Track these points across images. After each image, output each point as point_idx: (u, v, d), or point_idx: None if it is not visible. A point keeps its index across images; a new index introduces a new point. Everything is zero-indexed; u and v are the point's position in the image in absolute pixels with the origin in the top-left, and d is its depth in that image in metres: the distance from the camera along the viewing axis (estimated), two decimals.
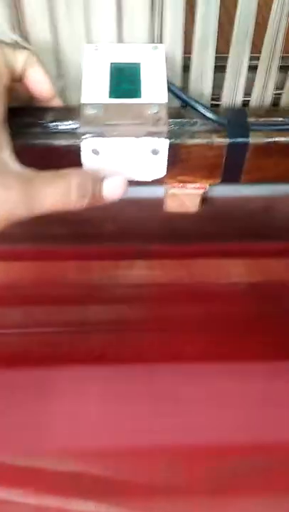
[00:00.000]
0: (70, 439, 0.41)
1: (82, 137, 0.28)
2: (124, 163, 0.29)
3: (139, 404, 0.44)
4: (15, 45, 0.30)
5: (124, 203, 0.42)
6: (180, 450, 0.40)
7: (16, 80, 0.29)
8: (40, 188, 0.27)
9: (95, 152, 0.28)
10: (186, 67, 0.33)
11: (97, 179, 0.29)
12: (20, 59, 0.28)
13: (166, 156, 0.29)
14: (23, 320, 0.49)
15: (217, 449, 0.40)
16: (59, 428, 0.43)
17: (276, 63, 0.33)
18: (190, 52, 0.32)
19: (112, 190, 0.29)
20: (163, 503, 0.39)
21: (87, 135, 0.28)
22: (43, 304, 0.49)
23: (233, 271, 0.46)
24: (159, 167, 0.30)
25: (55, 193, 0.27)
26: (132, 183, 0.30)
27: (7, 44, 0.29)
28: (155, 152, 0.29)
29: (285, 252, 0.46)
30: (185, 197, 0.37)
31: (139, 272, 0.46)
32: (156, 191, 0.39)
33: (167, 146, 0.28)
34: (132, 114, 0.28)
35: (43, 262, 0.48)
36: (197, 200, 0.37)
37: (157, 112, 0.28)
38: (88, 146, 0.28)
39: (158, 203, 0.40)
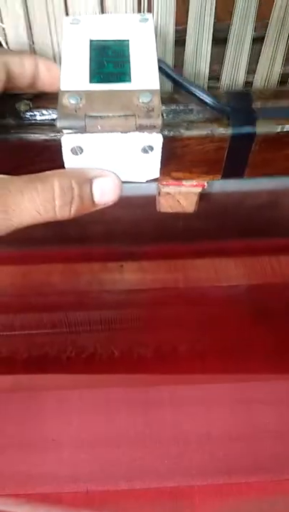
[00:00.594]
0: (56, 456, 0.38)
1: (61, 133, 0.23)
2: (111, 162, 0.25)
3: (131, 413, 0.41)
4: (21, 52, 0.28)
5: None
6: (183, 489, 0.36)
7: (27, 84, 0.27)
8: (16, 196, 0.22)
9: (77, 151, 0.24)
10: (178, 42, 0.28)
11: (85, 180, 0.24)
12: (28, 65, 0.26)
13: (160, 154, 0.24)
14: (8, 323, 0.45)
15: (220, 488, 0.36)
16: (45, 443, 0.40)
17: (285, 39, 0.28)
18: (183, 23, 0.27)
19: (105, 194, 0.24)
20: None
21: (66, 130, 0.23)
22: (28, 309, 0.45)
23: (233, 272, 0.42)
24: (152, 167, 0.25)
25: (35, 201, 0.22)
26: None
27: (11, 52, 0.28)
28: (147, 150, 0.24)
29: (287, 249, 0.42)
30: (180, 196, 0.33)
31: (130, 276, 0.42)
32: (148, 188, 0.35)
33: (161, 143, 0.24)
34: (118, 103, 0.23)
35: (27, 265, 0.43)
36: (194, 200, 0.33)
37: (149, 101, 0.23)
38: (68, 144, 0.23)
39: (149, 201, 0.36)
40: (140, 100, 0.23)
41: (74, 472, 0.37)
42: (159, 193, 0.33)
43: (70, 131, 0.23)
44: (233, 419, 0.41)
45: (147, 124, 0.23)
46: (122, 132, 0.23)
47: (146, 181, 0.26)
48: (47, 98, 0.28)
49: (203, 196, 0.35)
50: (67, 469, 0.37)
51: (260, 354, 0.43)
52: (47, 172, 0.23)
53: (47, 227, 0.41)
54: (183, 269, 0.42)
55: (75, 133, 0.23)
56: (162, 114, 0.23)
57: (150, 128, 0.23)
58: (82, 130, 0.23)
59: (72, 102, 0.23)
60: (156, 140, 0.24)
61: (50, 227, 0.40)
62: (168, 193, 0.33)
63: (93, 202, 0.24)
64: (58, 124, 0.23)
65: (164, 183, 0.31)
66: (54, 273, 0.42)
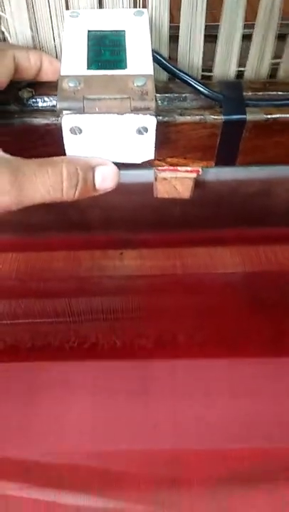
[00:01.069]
0: (58, 442, 0.39)
1: (61, 114, 0.25)
2: (108, 143, 0.26)
3: (132, 401, 0.42)
4: (27, 48, 0.30)
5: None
6: (179, 454, 0.38)
7: (32, 76, 0.29)
8: (30, 177, 0.25)
9: (76, 131, 0.25)
10: (173, 37, 0.30)
11: (89, 167, 0.26)
12: (33, 60, 0.29)
13: (155, 135, 0.26)
14: (12, 311, 0.47)
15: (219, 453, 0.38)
16: (47, 429, 0.41)
17: (273, 32, 0.30)
18: (178, 19, 0.29)
19: (105, 180, 0.27)
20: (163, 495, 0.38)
21: (66, 111, 0.25)
22: (31, 296, 0.46)
23: (229, 260, 0.43)
24: (147, 148, 0.27)
25: (46, 183, 0.25)
26: (119, 165, 0.28)
27: (19, 47, 0.30)
28: (142, 131, 0.26)
29: (283, 238, 0.44)
30: (176, 181, 0.34)
31: (129, 262, 0.43)
32: (146, 175, 0.37)
33: (155, 124, 0.25)
34: (115, 86, 0.25)
35: (29, 252, 0.45)
36: (190, 185, 0.35)
37: (144, 85, 0.25)
38: (67, 124, 0.25)
39: (147, 188, 0.37)
40: (135, 84, 0.25)
41: (76, 438, 0.39)
42: (156, 179, 0.35)
43: (69, 112, 0.25)
44: (231, 399, 0.42)
45: (141, 106, 0.25)
46: (118, 113, 0.25)
47: (141, 163, 0.28)
48: (48, 86, 0.30)
49: (199, 184, 0.37)
50: (69, 438, 0.39)
51: (256, 341, 0.44)
52: (55, 158, 0.26)
53: (49, 214, 0.42)
54: (180, 256, 0.43)
55: (74, 114, 0.25)
56: (156, 98, 0.25)
57: (144, 110, 0.25)
58: (81, 111, 0.25)
59: (71, 85, 0.25)
60: (150, 122, 0.25)
61: (52, 214, 0.42)
62: (164, 179, 0.34)
63: (95, 187, 0.27)
64: (58, 105, 0.25)
65: (161, 168, 0.33)
66: (56, 260, 0.44)
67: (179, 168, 0.33)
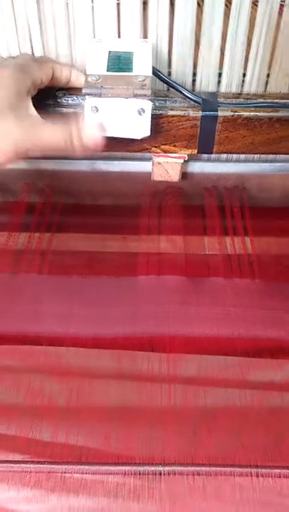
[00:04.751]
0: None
1: (85, 96, 0.36)
2: (117, 120, 0.37)
3: None
4: (62, 64, 0.42)
5: (118, 178, 0.50)
6: None
7: (63, 84, 0.41)
8: (43, 130, 0.36)
9: (94, 109, 0.36)
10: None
11: (79, 128, 0.37)
12: (65, 72, 0.40)
13: (150, 116, 0.37)
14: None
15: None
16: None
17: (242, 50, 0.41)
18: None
19: (90, 135, 0.37)
20: None
21: (89, 95, 0.36)
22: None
23: (211, 246, 0.52)
24: (144, 126, 0.38)
25: (53, 134, 0.36)
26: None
27: (56, 62, 0.41)
28: (141, 112, 0.36)
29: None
30: (168, 165, 0.45)
31: (130, 243, 0.53)
32: (147, 166, 0.47)
33: (150, 107, 0.36)
34: (123, 81, 0.36)
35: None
36: (178, 169, 0.45)
37: (144, 80, 0.36)
38: (89, 104, 0.36)
39: (148, 178, 0.48)
40: (137, 80, 0.36)
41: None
42: (152, 163, 0.45)
43: (90, 95, 0.36)
44: None
45: (141, 93, 0.36)
46: (124, 98, 0.36)
47: (141, 138, 0.38)
48: (76, 91, 0.41)
49: (186, 175, 0.47)
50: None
51: None
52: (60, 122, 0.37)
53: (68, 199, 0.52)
54: (172, 240, 0.52)
55: (94, 97, 0.36)
56: (151, 88, 0.36)
57: (143, 96, 0.36)
58: (99, 95, 0.36)
59: (93, 79, 0.36)
60: (147, 104, 0.36)
61: (68, 198, 0.52)
62: (159, 163, 0.45)
63: (83, 140, 0.37)
64: (83, 90, 0.36)
65: (156, 154, 0.44)
66: (71, 239, 0.53)
67: (170, 154, 0.44)
